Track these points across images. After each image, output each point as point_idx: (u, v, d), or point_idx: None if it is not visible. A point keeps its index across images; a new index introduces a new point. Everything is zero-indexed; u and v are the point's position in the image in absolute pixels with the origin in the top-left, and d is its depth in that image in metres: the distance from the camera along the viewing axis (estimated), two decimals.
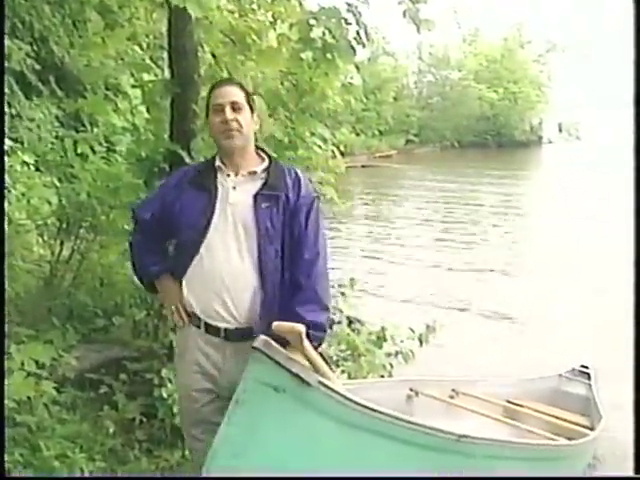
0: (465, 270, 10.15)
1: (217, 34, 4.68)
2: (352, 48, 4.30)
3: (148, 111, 4.79)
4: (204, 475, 2.21)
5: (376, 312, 6.55)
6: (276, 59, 4.61)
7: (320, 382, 2.26)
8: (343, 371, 4.87)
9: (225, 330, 2.66)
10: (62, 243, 4.80)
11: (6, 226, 4.16)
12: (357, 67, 5.24)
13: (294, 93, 4.59)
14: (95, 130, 6.67)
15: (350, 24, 4.25)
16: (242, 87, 2.77)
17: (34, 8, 8.07)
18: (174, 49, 4.23)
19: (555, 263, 10.18)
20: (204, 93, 3.57)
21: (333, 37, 4.24)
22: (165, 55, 4.71)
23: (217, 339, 2.68)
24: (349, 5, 4.24)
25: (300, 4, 4.99)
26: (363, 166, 25.98)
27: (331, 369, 2.51)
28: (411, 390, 4.15)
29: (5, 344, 3.18)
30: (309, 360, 2.31)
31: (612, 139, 29.44)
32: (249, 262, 2.62)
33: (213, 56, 4.75)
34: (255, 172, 2.71)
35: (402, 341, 5.46)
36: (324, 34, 4.27)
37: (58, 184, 5.45)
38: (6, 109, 6.16)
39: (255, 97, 4.28)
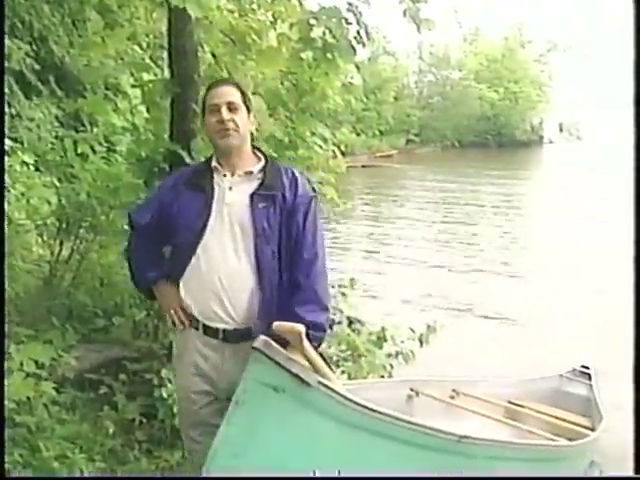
0: (465, 270, 10.14)
1: (217, 34, 4.68)
2: (352, 48, 4.29)
3: (148, 111, 4.79)
4: (204, 475, 2.21)
5: (376, 313, 6.55)
6: (276, 59, 4.61)
7: (320, 382, 2.26)
8: (343, 371, 4.86)
9: (224, 331, 2.65)
10: (62, 243, 4.80)
11: (6, 226, 4.15)
12: (357, 67, 5.24)
13: (294, 93, 4.59)
14: (95, 130, 6.67)
15: (350, 24, 4.24)
16: (238, 87, 2.76)
17: (33, 7, 8.06)
18: (174, 49, 4.23)
19: (555, 263, 10.17)
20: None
21: (333, 37, 4.24)
22: (165, 55, 4.71)
23: (215, 340, 2.67)
24: (349, 5, 4.24)
25: (300, 4, 4.98)
26: (364, 166, 25.95)
27: (331, 369, 2.50)
28: (411, 390, 4.14)
29: (5, 344, 3.17)
30: (309, 360, 2.30)
31: (613, 139, 29.43)
32: (246, 262, 2.62)
33: (213, 56, 4.75)
34: (251, 172, 2.70)
35: (402, 341, 5.46)
36: (324, 34, 4.27)
37: (58, 184, 5.45)
38: (6, 109, 6.15)
39: (255, 97, 4.29)
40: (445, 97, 40.26)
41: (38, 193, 5.60)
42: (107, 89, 8.29)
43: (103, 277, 4.76)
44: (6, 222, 4.31)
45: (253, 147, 2.81)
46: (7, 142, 6.05)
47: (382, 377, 4.99)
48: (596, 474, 4.18)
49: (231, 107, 2.66)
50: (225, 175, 2.70)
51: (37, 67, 8.28)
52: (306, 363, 2.29)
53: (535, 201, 18.59)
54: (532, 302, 8.11)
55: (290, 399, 2.23)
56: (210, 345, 2.69)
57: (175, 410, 3.48)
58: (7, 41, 6.53)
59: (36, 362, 3.34)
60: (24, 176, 6.13)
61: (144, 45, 6.74)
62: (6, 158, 5.70)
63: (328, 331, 2.95)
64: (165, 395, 3.67)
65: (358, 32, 4.26)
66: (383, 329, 5.47)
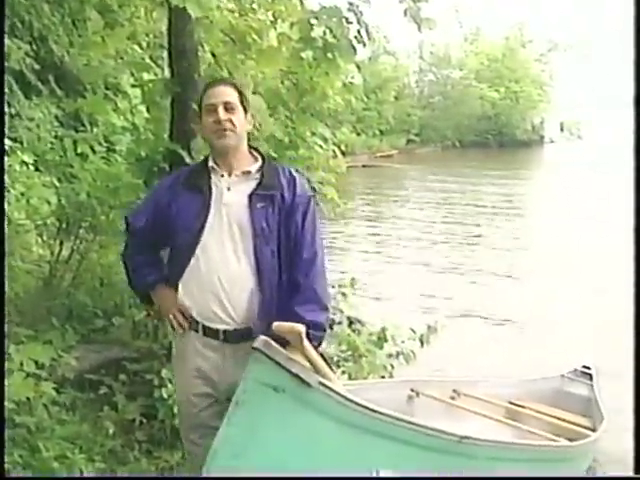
0: (465, 271, 10.13)
1: (217, 33, 4.68)
2: (353, 47, 4.29)
3: (148, 111, 4.79)
4: (204, 475, 2.20)
5: (376, 313, 6.54)
6: (276, 58, 4.61)
7: (320, 382, 2.25)
8: (344, 372, 4.86)
9: (224, 332, 2.64)
10: (61, 243, 4.80)
11: (5, 226, 4.14)
12: (358, 66, 5.23)
13: (295, 92, 4.59)
14: (95, 130, 6.66)
15: (351, 23, 4.24)
16: (235, 87, 2.75)
17: (33, 7, 8.05)
18: (174, 48, 4.23)
19: (555, 263, 10.16)
20: None
21: (334, 36, 4.24)
22: (165, 54, 4.71)
23: (216, 341, 2.66)
24: (350, 4, 4.24)
25: (301, 3, 4.98)
26: (364, 166, 25.92)
27: (331, 369, 2.50)
28: (412, 391, 4.14)
29: (5, 344, 3.17)
30: (309, 360, 2.30)
31: (613, 139, 29.42)
32: (245, 263, 2.61)
33: (213, 55, 4.75)
34: (249, 172, 2.70)
35: (403, 342, 5.45)
36: (325, 33, 4.26)
37: (57, 184, 5.45)
38: (5, 109, 6.14)
39: (255, 96, 4.29)
40: (446, 97, 40.21)
41: (38, 193, 5.60)
42: (107, 89, 8.28)
43: (103, 277, 4.76)
44: (6, 222, 4.31)
45: (250, 147, 2.80)
46: (7, 142, 6.04)
47: (383, 377, 4.98)
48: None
49: (228, 107, 2.65)
50: (223, 175, 2.69)
51: (37, 67, 8.28)
52: (306, 363, 2.28)
53: (536, 201, 18.58)
54: (532, 302, 8.10)
55: (290, 399, 2.23)
56: (210, 346, 2.68)
57: (175, 410, 3.48)
58: (7, 41, 6.53)
59: (36, 362, 3.33)
60: (24, 176, 6.13)
61: (144, 45, 6.74)
62: (6, 158, 5.70)
63: (328, 331, 2.95)
64: (165, 395, 3.67)
65: (359, 31, 4.26)
66: (383, 329, 5.46)
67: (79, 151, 4.99)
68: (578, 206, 15.94)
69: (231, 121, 2.64)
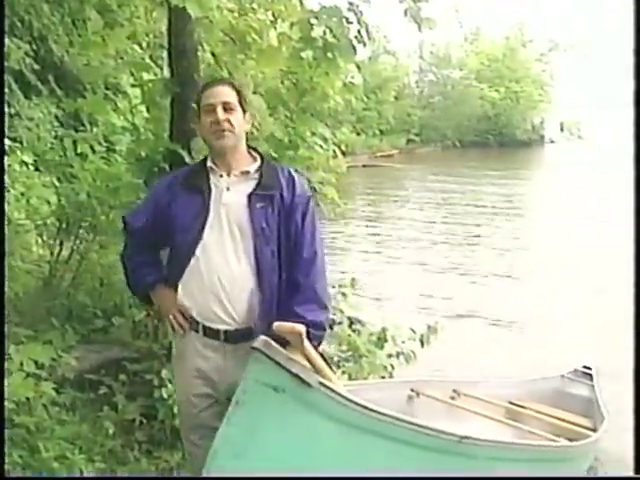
0: (465, 271, 10.13)
1: (217, 33, 4.67)
2: (353, 47, 4.28)
3: (148, 110, 4.78)
4: (204, 475, 2.20)
5: (375, 314, 6.54)
6: (276, 58, 4.60)
7: (320, 383, 2.25)
8: (344, 372, 4.85)
9: (225, 332, 2.64)
10: (61, 243, 4.80)
11: (5, 226, 4.14)
12: (358, 66, 5.22)
13: (295, 92, 4.58)
14: (95, 130, 6.65)
15: (351, 23, 4.23)
16: (234, 87, 2.74)
17: (33, 7, 8.05)
18: (174, 48, 4.22)
19: (555, 263, 10.16)
20: None
21: (334, 36, 4.23)
22: (165, 54, 4.70)
23: (216, 341, 2.66)
24: (350, 4, 4.23)
25: (301, 3, 4.98)
26: (364, 166, 25.92)
27: (332, 370, 2.49)
28: (412, 391, 4.13)
29: (4, 345, 3.16)
30: (309, 360, 2.30)
31: (614, 139, 29.42)
32: (246, 263, 2.61)
33: (213, 55, 4.74)
34: (248, 172, 2.69)
35: (403, 342, 5.44)
36: (325, 33, 4.25)
37: (57, 184, 5.44)
38: (5, 108, 6.14)
39: (255, 96, 4.28)
40: (446, 97, 40.20)
41: (38, 193, 5.60)
42: (107, 89, 8.27)
43: (103, 277, 4.75)
44: (6, 222, 4.31)
45: (248, 147, 2.80)
46: (6, 142, 6.05)
47: (383, 378, 4.97)
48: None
49: (226, 107, 2.64)
50: (221, 175, 2.69)
51: (37, 66, 8.29)
52: (306, 363, 2.28)
53: (536, 201, 18.57)
54: (532, 302, 8.09)
55: (290, 399, 2.22)
56: (211, 346, 2.68)
57: (175, 411, 3.48)
58: (6, 40, 6.53)
59: (36, 362, 3.33)
60: (23, 176, 6.14)
61: (144, 44, 6.72)
62: (5, 158, 5.70)
63: (328, 331, 2.94)
64: (165, 395, 3.67)
65: (359, 31, 4.25)
66: (384, 329, 5.45)
67: (79, 151, 4.98)
68: (578, 206, 15.93)
69: (229, 121, 2.63)
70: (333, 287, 5.50)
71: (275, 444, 2.25)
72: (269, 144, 4.27)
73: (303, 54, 4.42)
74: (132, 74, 5.57)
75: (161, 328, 4.05)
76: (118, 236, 4.31)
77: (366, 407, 2.37)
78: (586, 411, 4.37)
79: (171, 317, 2.73)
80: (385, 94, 34.85)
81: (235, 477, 2.21)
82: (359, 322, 6.03)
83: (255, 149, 2.83)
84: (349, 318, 5.92)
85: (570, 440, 3.80)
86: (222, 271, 2.59)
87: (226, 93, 2.67)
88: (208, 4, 3.87)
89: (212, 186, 2.67)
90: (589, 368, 4.78)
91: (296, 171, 2.87)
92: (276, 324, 2.27)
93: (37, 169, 6.38)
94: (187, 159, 3.94)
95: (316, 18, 4.25)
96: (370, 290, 8.11)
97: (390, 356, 5.30)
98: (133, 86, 6.08)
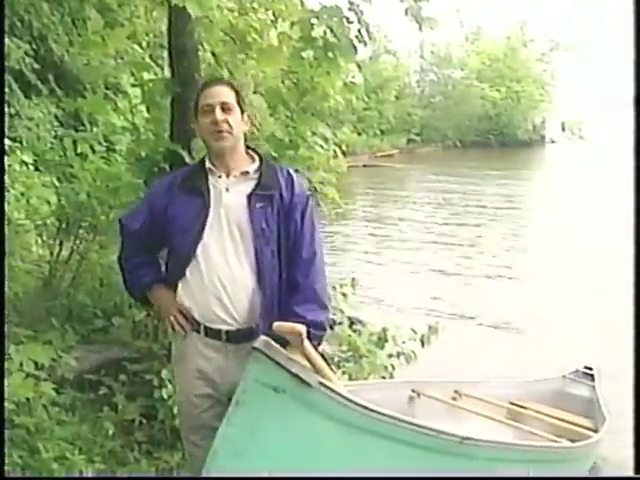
0: (466, 271, 10.12)
1: (217, 33, 4.67)
2: (354, 47, 4.27)
3: (148, 110, 4.77)
4: (204, 475, 2.19)
5: (375, 314, 6.53)
6: (277, 58, 4.60)
7: (320, 383, 2.25)
8: (344, 372, 4.84)
9: (226, 332, 2.63)
10: (61, 243, 4.79)
11: (5, 226, 4.13)
12: (359, 66, 5.21)
13: (295, 92, 4.57)
14: (95, 129, 6.64)
15: (352, 22, 4.22)
16: (232, 87, 2.73)
17: (33, 6, 8.05)
18: (174, 48, 4.21)
19: (556, 263, 10.16)
20: None
21: (334, 36, 4.22)
22: (165, 54, 4.70)
23: (218, 342, 2.65)
24: (351, 3, 4.22)
25: (301, 2, 4.97)
26: (365, 166, 25.92)
27: (332, 370, 2.49)
28: (413, 391, 4.13)
29: (4, 345, 3.15)
30: (309, 360, 2.29)
31: (615, 139, 29.41)
32: (246, 263, 2.60)
33: (213, 55, 4.74)
34: (247, 172, 2.68)
35: (404, 342, 5.43)
36: (325, 33, 4.25)
37: (57, 184, 5.43)
38: (5, 108, 6.13)
39: (256, 96, 4.27)
40: (447, 96, 40.18)
41: (37, 193, 5.60)
42: (107, 88, 8.27)
43: (103, 277, 4.74)
44: (6, 222, 4.30)
45: (247, 147, 2.79)
46: (6, 141, 6.04)
47: (383, 378, 4.96)
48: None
49: (225, 108, 2.63)
50: (220, 176, 2.67)
51: (36, 66, 8.28)
52: (307, 363, 2.28)
53: (537, 201, 18.56)
54: (532, 303, 8.09)
55: (290, 399, 2.22)
56: (212, 346, 2.67)
57: (175, 411, 3.47)
58: (6, 40, 6.52)
59: (35, 363, 3.33)
60: (23, 176, 6.13)
61: (144, 44, 6.71)
62: (5, 158, 5.69)
63: (328, 331, 2.93)
64: (165, 396, 3.66)
65: (359, 31, 4.24)
66: (384, 330, 5.45)
67: (79, 151, 4.98)
68: (579, 206, 15.92)
69: (228, 122, 2.62)
70: (334, 288, 5.49)
71: (275, 444, 2.25)
72: (270, 144, 4.27)
73: (304, 54, 4.41)
74: (132, 74, 5.56)
75: (161, 328, 4.04)
76: (118, 236, 4.31)
77: (366, 407, 2.36)
78: (587, 412, 4.36)
79: (172, 318, 2.72)
80: (386, 94, 34.84)
81: (235, 477, 2.21)
82: (359, 322, 6.02)
83: (254, 149, 2.82)
84: (349, 318, 5.91)
85: (571, 441, 3.79)
86: (222, 271, 2.59)
87: (224, 93, 2.66)
88: (208, 3, 3.86)
89: (211, 187, 2.66)
90: (590, 369, 4.78)
91: (296, 171, 2.86)
92: (276, 324, 2.26)
93: (37, 169, 6.37)
94: (187, 159, 3.93)
95: (317, 18, 4.24)
96: (370, 291, 8.10)
97: (391, 356, 5.29)
98: (133, 86, 6.07)
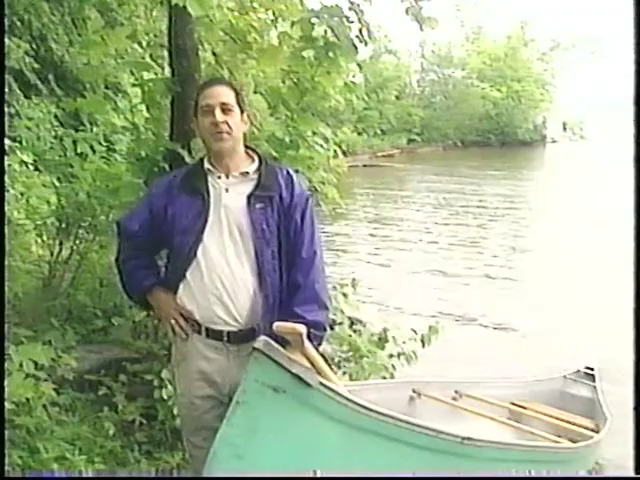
0: (466, 272, 10.12)
1: (218, 32, 4.66)
2: (354, 46, 4.26)
3: (148, 110, 4.76)
4: (204, 475, 2.19)
5: (376, 314, 6.53)
6: (277, 57, 4.59)
7: (321, 383, 2.25)
8: (344, 372, 4.83)
9: (228, 333, 2.62)
10: (61, 243, 4.79)
11: (5, 226, 4.13)
12: (359, 65, 5.19)
13: (295, 92, 4.55)
14: (95, 129, 6.65)
15: (352, 22, 4.21)
16: (232, 87, 2.72)
17: (33, 6, 8.05)
18: (174, 47, 4.20)
19: (556, 264, 10.16)
20: None
21: (335, 35, 4.20)
22: (165, 54, 4.69)
23: (220, 343, 2.64)
24: (351, 3, 4.20)
25: (302, 2, 4.97)
26: (365, 165, 25.92)
27: (332, 370, 2.48)
28: (413, 392, 4.12)
29: (4, 345, 3.15)
30: (310, 361, 2.29)
31: (615, 139, 29.40)
32: (247, 264, 2.59)
33: (214, 54, 4.73)
34: (247, 173, 2.67)
35: (404, 342, 5.42)
36: (326, 32, 4.23)
37: (57, 184, 5.43)
38: (5, 108, 6.13)
39: (256, 96, 4.26)
40: (447, 96, 40.21)
41: (37, 193, 5.60)
42: (107, 88, 8.26)
43: (103, 277, 4.74)
44: (6, 222, 4.30)
45: (247, 147, 2.78)
46: (6, 141, 6.03)
47: (384, 378, 4.95)
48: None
49: (225, 108, 2.61)
50: (220, 177, 2.66)
51: (36, 66, 8.29)
52: (307, 363, 2.27)
53: (538, 201, 18.56)
54: (532, 303, 8.09)
55: (290, 399, 2.22)
56: (213, 347, 2.66)
57: (175, 411, 3.46)
58: (6, 40, 6.52)
59: (35, 363, 3.32)
60: (23, 176, 6.13)
61: (144, 44, 6.71)
62: (5, 158, 5.68)
63: (329, 331, 2.92)
64: (165, 396, 3.65)
65: (360, 31, 4.23)
66: (385, 330, 5.43)
67: (79, 151, 4.98)
68: (580, 206, 15.92)
69: (227, 123, 2.60)
70: (334, 288, 5.48)
71: (275, 444, 2.24)
72: (270, 144, 4.25)
73: (304, 53, 4.39)
74: (132, 73, 5.56)
75: (161, 328, 4.03)
76: (116, 238, 4.31)
77: (367, 407, 2.36)
78: (588, 412, 4.36)
79: (172, 321, 2.71)
80: (386, 93, 34.89)
81: (235, 477, 2.20)
82: (360, 322, 6.02)
83: (253, 149, 2.81)
84: (350, 318, 5.90)
85: (572, 441, 3.79)
86: (223, 272, 2.58)
87: (224, 93, 2.65)
88: (208, 3, 3.84)
89: (211, 188, 2.65)
90: (591, 369, 4.77)
91: (296, 171, 2.85)
92: (276, 324, 2.26)
93: (37, 169, 6.37)
94: (187, 159, 3.92)
95: (317, 17, 4.22)
96: (371, 291, 8.10)
97: (391, 356, 5.28)
98: (133, 85, 6.06)
